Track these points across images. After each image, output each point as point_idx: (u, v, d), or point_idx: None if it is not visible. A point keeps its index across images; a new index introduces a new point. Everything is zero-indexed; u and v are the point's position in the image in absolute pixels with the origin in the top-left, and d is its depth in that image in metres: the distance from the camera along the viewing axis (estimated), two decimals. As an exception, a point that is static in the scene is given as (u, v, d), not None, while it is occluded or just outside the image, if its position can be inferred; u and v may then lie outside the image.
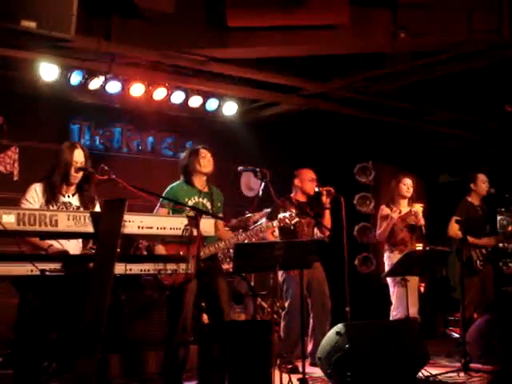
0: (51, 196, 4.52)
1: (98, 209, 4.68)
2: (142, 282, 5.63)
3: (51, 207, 4.46)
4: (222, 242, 5.28)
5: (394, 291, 6.55)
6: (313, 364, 5.99)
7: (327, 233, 6.28)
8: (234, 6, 5.97)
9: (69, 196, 4.64)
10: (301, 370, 5.10)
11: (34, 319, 4.08)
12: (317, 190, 6.34)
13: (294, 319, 6.02)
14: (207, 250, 5.14)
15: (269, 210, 6.72)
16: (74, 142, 4.81)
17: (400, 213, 6.66)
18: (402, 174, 6.91)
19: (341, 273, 6.25)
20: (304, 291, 5.62)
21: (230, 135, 8.56)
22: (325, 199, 6.27)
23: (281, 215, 5.54)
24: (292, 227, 5.81)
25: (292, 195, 6.47)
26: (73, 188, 4.66)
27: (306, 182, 6.40)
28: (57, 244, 4.39)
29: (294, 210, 5.59)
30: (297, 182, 6.47)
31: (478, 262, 6.92)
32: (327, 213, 6.32)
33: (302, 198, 6.43)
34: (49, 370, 4.29)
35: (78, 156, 4.61)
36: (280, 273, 6.19)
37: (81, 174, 4.61)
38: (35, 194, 4.50)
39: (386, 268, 6.65)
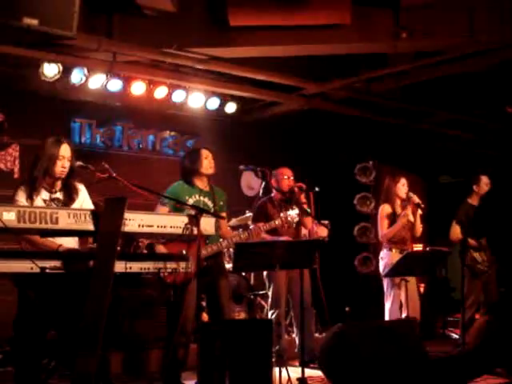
0: (33, 191, 4.42)
1: (79, 201, 4.60)
2: (142, 280, 5.63)
3: (35, 203, 4.38)
4: (225, 240, 5.29)
5: (389, 293, 6.51)
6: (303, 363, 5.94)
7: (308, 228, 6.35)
8: (235, 5, 5.97)
9: (56, 191, 4.55)
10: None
11: (33, 317, 4.08)
12: (291, 186, 6.35)
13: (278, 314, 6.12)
14: (210, 249, 5.15)
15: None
16: (60, 137, 4.73)
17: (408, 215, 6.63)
18: (398, 174, 6.89)
19: (338, 272, 6.27)
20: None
21: (230, 134, 8.56)
22: (298, 195, 6.27)
23: (284, 214, 5.56)
24: (294, 225, 5.82)
25: (272, 195, 6.46)
26: (59, 183, 4.57)
27: (281, 180, 6.39)
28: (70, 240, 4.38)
29: (296, 208, 5.60)
30: (273, 181, 6.46)
31: (481, 264, 6.91)
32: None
33: (278, 197, 6.42)
34: (48, 368, 4.29)
35: (65, 151, 4.52)
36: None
37: (67, 169, 4.53)
38: (20, 195, 4.41)
39: (381, 265, 6.61)
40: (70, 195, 4.57)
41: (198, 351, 4.41)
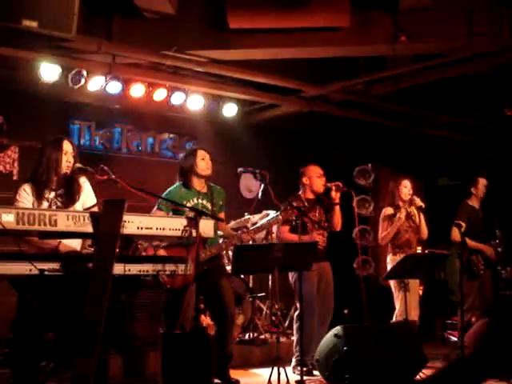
0: (39, 193, 4.47)
1: (82, 197, 4.63)
2: (142, 283, 5.63)
3: (41, 205, 4.42)
4: (224, 242, 5.27)
5: (398, 295, 6.47)
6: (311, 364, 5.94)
7: (337, 229, 6.16)
8: (234, 7, 5.99)
9: (59, 189, 4.58)
10: (315, 373, 5.03)
11: (32, 319, 4.07)
12: (327, 185, 6.11)
13: (310, 320, 5.81)
14: (209, 252, 5.14)
15: (268, 211, 6.72)
16: (60, 136, 4.74)
17: (408, 213, 6.61)
18: (400, 177, 6.88)
19: (340, 273, 6.24)
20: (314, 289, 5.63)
21: (229, 137, 8.56)
22: (334, 194, 6.03)
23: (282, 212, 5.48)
24: (294, 222, 5.67)
25: (300, 193, 6.20)
26: (63, 181, 4.59)
27: (314, 178, 6.15)
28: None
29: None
30: (305, 179, 6.19)
31: (479, 266, 6.91)
32: (337, 209, 6.08)
33: (310, 196, 6.17)
34: (46, 370, 4.28)
35: (67, 146, 4.58)
36: (291, 274, 6.03)
37: (72, 164, 4.57)
38: (26, 194, 4.46)
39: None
40: (73, 192, 4.59)
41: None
